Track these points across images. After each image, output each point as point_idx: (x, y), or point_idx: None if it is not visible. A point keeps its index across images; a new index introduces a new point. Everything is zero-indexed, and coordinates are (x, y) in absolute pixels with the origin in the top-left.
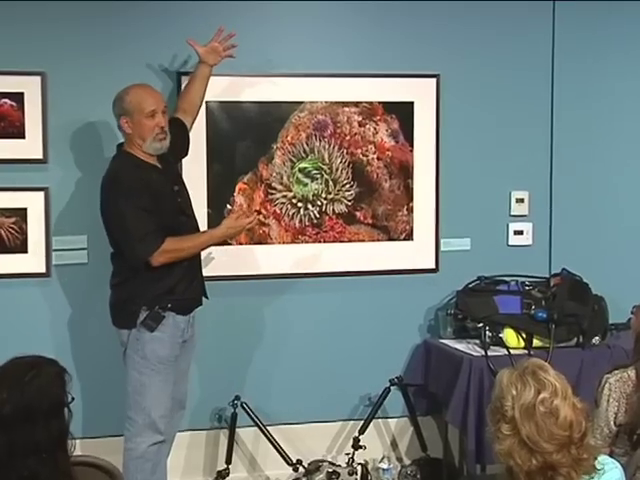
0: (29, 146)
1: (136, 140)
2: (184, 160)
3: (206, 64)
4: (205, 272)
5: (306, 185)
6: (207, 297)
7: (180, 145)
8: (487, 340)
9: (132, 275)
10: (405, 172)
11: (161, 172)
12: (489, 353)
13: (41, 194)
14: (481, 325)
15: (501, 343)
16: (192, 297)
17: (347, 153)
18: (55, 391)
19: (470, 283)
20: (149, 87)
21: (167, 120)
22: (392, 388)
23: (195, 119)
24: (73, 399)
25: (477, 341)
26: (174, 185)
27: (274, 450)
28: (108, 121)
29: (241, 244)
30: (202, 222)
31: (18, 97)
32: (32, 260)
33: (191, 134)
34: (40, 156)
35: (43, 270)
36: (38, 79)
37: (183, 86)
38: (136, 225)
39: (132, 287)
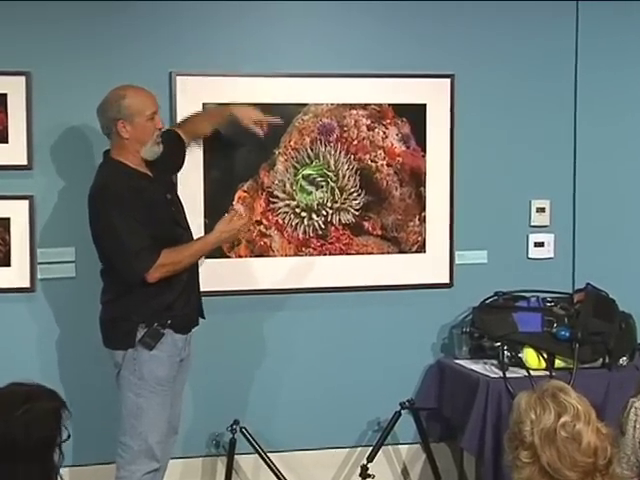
0: (12, 151)
1: (134, 146)
2: None
3: (236, 115)
4: (202, 287)
5: (310, 193)
6: (204, 317)
7: (175, 159)
8: (505, 360)
9: (126, 291)
10: (417, 179)
11: (152, 180)
12: (508, 374)
13: (25, 203)
14: (499, 344)
15: (521, 364)
16: (191, 314)
17: (354, 159)
18: (46, 431)
19: (487, 299)
20: (144, 89)
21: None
22: (403, 412)
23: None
24: (69, 437)
25: (495, 361)
26: (166, 193)
27: (276, 479)
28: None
29: (240, 257)
30: (198, 233)
31: (1, 99)
32: (15, 274)
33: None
34: (24, 162)
35: (27, 285)
36: (22, 79)
37: (178, 87)
38: (130, 240)
39: (127, 304)
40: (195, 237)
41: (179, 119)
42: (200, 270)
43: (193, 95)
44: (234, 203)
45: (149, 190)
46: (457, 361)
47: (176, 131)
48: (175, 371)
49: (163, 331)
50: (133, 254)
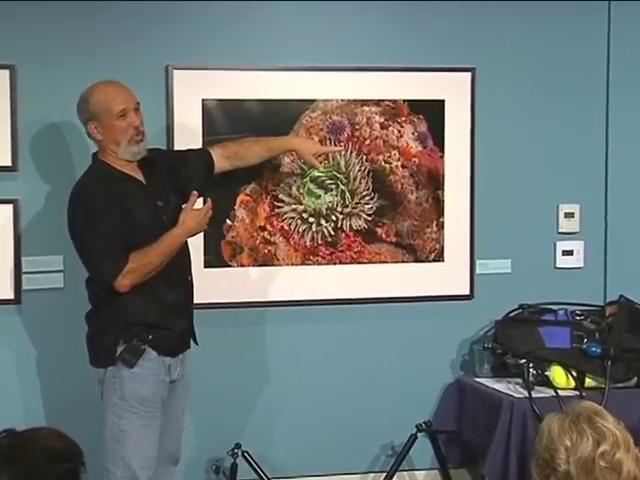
0: None
1: (109, 147)
2: None
3: (296, 150)
4: (200, 298)
5: (319, 197)
6: (196, 342)
7: (197, 178)
8: (531, 379)
9: (106, 302)
10: (434, 182)
11: (141, 184)
12: (533, 394)
13: (9, 207)
14: (524, 361)
15: (547, 383)
16: (177, 337)
17: (367, 160)
18: None
19: (511, 312)
20: (116, 83)
21: (142, 119)
22: (419, 435)
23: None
24: None
25: (519, 380)
26: (157, 200)
27: None
28: None
29: (243, 266)
30: (197, 241)
31: None
32: None
33: (185, 136)
34: (8, 163)
35: (11, 296)
36: (6, 73)
37: (175, 82)
38: (98, 244)
39: (105, 317)
40: (191, 246)
41: (229, 142)
42: (197, 281)
43: (191, 90)
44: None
45: (133, 195)
46: (478, 380)
47: (209, 152)
48: (163, 391)
49: (144, 347)
50: (100, 259)
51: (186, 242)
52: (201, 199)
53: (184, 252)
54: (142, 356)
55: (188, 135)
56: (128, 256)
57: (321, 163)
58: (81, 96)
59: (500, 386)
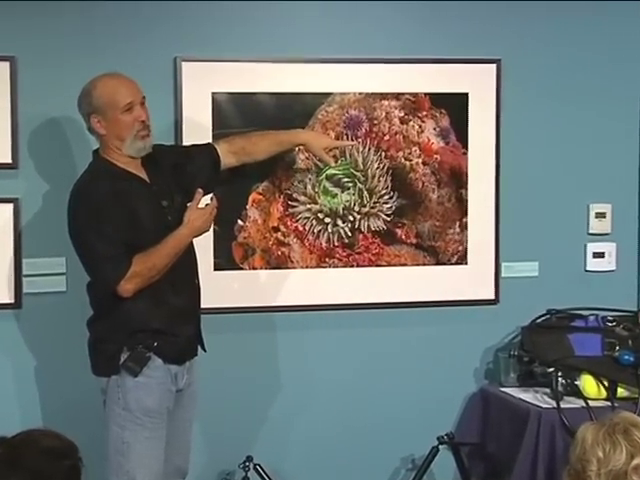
0: None
1: (113, 142)
2: None
3: (306, 144)
4: (210, 302)
5: (335, 196)
6: (204, 349)
7: (203, 175)
8: (560, 389)
9: (109, 308)
10: (457, 180)
11: (144, 183)
12: (562, 405)
13: (9, 206)
14: (552, 370)
15: (577, 392)
16: (184, 344)
17: (386, 157)
18: None
19: (538, 318)
20: (121, 75)
21: (148, 113)
22: (441, 447)
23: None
24: None
25: (547, 390)
26: (162, 200)
27: None
28: None
29: (255, 268)
30: (206, 242)
31: None
32: None
33: (194, 132)
34: (8, 160)
35: (11, 300)
36: (6, 65)
37: (184, 74)
38: (100, 247)
39: (109, 323)
40: (201, 248)
41: (235, 136)
42: (206, 284)
43: (201, 83)
44: (199, 190)
45: (137, 194)
46: (504, 389)
47: (214, 147)
48: (169, 401)
49: (149, 354)
50: (102, 262)
51: (192, 243)
52: (207, 197)
53: (190, 253)
54: (147, 364)
55: (197, 130)
56: (131, 259)
57: (334, 159)
58: (83, 88)
59: (527, 396)
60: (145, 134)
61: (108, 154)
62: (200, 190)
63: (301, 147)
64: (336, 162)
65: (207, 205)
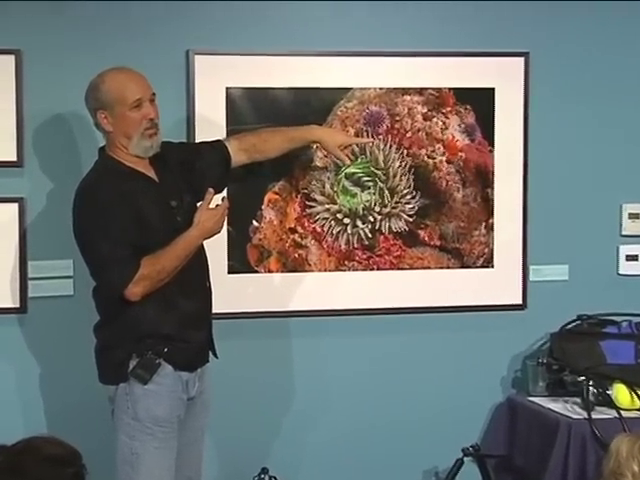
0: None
1: (119, 140)
2: None
3: (319, 141)
4: (223, 307)
5: (355, 196)
6: (216, 355)
7: (213, 174)
8: (591, 398)
9: (116, 312)
10: (483, 179)
11: (152, 182)
12: (594, 415)
13: (14, 206)
14: (583, 379)
15: (609, 402)
16: (196, 350)
17: (408, 154)
18: None
19: (568, 324)
20: (130, 70)
21: (157, 111)
22: (466, 460)
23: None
24: None
25: (578, 400)
26: (171, 200)
27: None
28: None
29: (270, 271)
30: (220, 244)
31: None
32: (2, 291)
33: (207, 129)
34: (13, 157)
35: (16, 304)
36: (11, 59)
37: (197, 68)
38: (107, 249)
39: (117, 328)
40: (214, 250)
41: (246, 133)
42: (220, 288)
43: (215, 77)
44: (210, 190)
45: (145, 193)
46: (532, 399)
47: (224, 144)
48: (180, 409)
49: (158, 361)
50: (108, 265)
51: (202, 244)
52: (219, 197)
53: (200, 255)
54: (157, 371)
55: (211, 127)
56: (139, 262)
57: (349, 157)
58: (91, 82)
59: (556, 406)
60: (153, 132)
61: (115, 152)
62: (211, 190)
63: (300, 163)
64: (353, 160)
65: (218, 206)
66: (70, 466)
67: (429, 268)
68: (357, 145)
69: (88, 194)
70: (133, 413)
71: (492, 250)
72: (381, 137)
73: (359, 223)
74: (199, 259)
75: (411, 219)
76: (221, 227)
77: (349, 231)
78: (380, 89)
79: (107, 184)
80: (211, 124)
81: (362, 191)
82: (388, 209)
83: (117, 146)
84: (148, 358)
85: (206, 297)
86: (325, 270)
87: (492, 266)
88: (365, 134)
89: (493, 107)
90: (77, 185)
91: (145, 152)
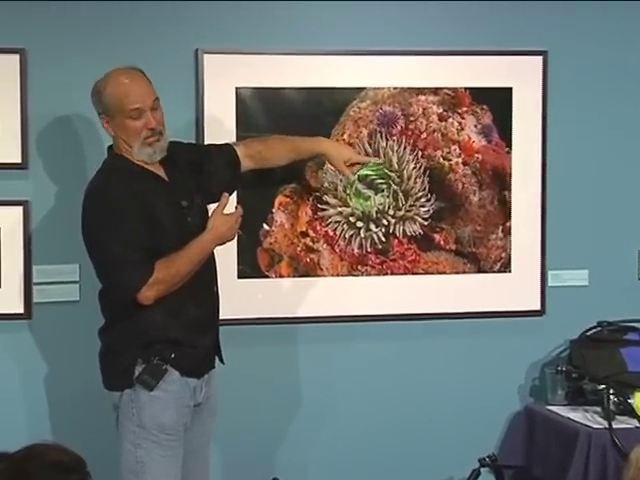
0: (3, 146)
1: (123, 143)
2: None
3: (325, 154)
4: (233, 313)
5: (368, 199)
6: (222, 361)
7: (222, 176)
8: (612, 407)
9: (123, 316)
10: (500, 181)
11: (163, 182)
12: (614, 425)
13: (18, 209)
14: (603, 387)
15: (631, 412)
16: (203, 356)
17: (423, 156)
18: None
19: (588, 330)
20: (134, 74)
21: (161, 116)
22: (483, 470)
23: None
24: None
25: (598, 409)
26: (181, 200)
27: None
28: None
29: (282, 276)
30: (230, 248)
31: None
32: (6, 297)
33: (216, 129)
34: (17, 159)
35: (20, 310)
36: (16, 58)
37: (206, 68)
38: (119, 252)
39: (123, 333)
40: (224, 254)
41: (253, 139)
42: (230, 293)
43: (224, 77)
44: (225, 194)
45: (155, 193)
46: (550, 408)
47: (233, 148)
48: (186, 418)
49: (165, 367)
50: (121, 267)
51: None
52: (232, 202)
53: (209, 260)
54: (163, 377)
55: (220, 128)
56: (152, 264)
57: (353, 174)
58: (95, 84)
59: (576, 415)
60: (154, 140)
61: (123, 151)
62: (226, 194)
63: (313, 164)
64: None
65: (232, 213)
66: (75, 473)
67: (444, 273)
68: (370, 145)
69: (98, 194)
70: (138, 420)
71: (509, 254)
72: (395, 138)
73: (372, 227)
74: (207, 264)
75: (426, 223)
76: (234, 234)
77: (362, 235)
78: (394, 89)
79: (118, 184)
80: (221, 125)
81: (376, 194)
82: (402, 212)
83: (124, 148)
84: (154, 364)
85: (213, 302)
86: (337, 275)
87: (509, 271)
88: (379, 135)
89: (510, 107)
90: (85, 185)
91: (149, 158)
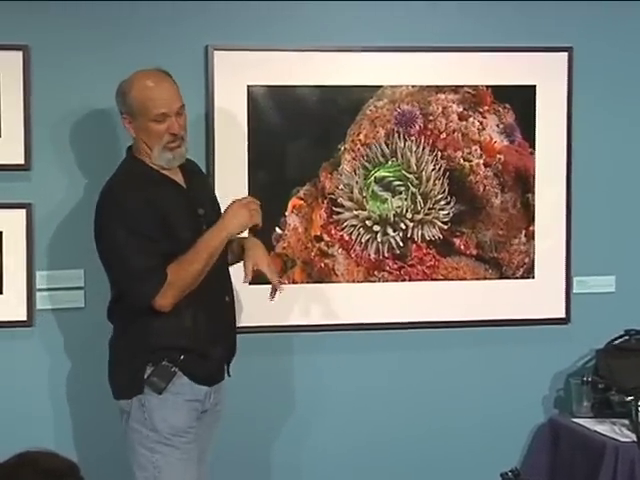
0: (5, 146)
1: (142, 147)
2: (217, 168)
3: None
4: (244, 320)
5: (385, 201)
6: (229, 374)
7: None
8: None
9: (132, 324)
10: (523, 183)
11: (181, 188)
12: None
13: (21, 212)
14: (631, 399)
15: None
16: (217, 362)
17: (442, 157)
18: None
19: (615, 339)
20: (160, 78)
21: (184, 122)
22: None
23: None
24: None
25: (625, 421)
26: (198, 208)
27: None
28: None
29: (295, 282)
30: None
31: None
32: (9, 303)
33: (227, 130)
34: (20, 160)
35: (23, 317)
36: (19, 55)
37: (216, 64)
38: (134, 257)
39: (132, 341)
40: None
41: None
42: (240, 300)
43: (235, 75)
44: (286, 214)
45: (172, 200)
46: (576, 420)
47: None
48: (195, 422)
49: (174, 369)
50: (137, 275)
51: (226, 259)
52: None
53: (221, 269)
54: (172, 380)
55: (231, 128)
56: (166, 271)
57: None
58: (120, 85)
59: (602, 428)
60: (175, 146)
61: (142, 155)
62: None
63: (328, 165)
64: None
65: (241, 201)
66: (68, 478)
67: (465, 279)
68: (387, 145)
69: (115, 197)
70: (151, 424)
71: (533, 260)
72: (413, 138)
73: (390, 231)
74: (218, 273)
75: (445, 226)
76: (247, 224)
77: (379, 239)
78: (412, 87)
79: (136, 190)
80: (232, 124)
81: (393, 196)
82: (421, 216)
83: (143, 151)
84: (163, 365)
85: (226, 312)
86: (353, 281)
87: (533, 277)
88: (396, 135)
89: (534, 106)
90: (90, 187)
91: (168, 163)
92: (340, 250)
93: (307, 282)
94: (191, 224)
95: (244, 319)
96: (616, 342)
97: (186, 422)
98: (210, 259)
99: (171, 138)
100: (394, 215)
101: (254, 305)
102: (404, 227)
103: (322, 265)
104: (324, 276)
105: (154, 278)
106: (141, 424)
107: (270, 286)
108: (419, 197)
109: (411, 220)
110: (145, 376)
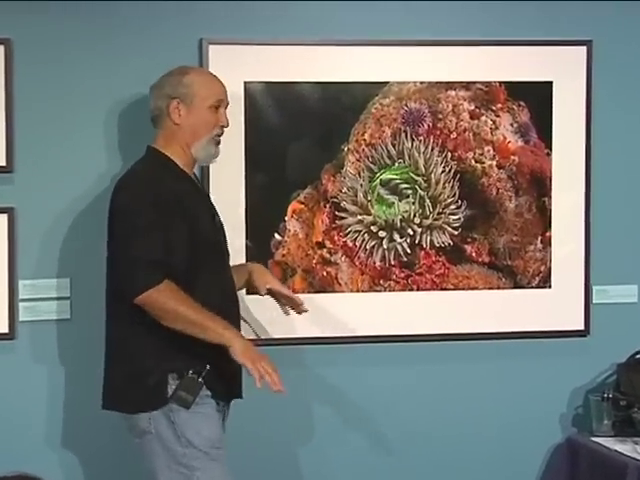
0: None
1: (184, 136)
2: (212, 170)
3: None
4: (242, 332)
5: (392, 205)
6: (241, 395)
7: None
8: None
9: (145, 331)
10: (539, 186)
11: (202, 192)
12: None
13: (3, 217)
14: None
15: None
16: (234, 376)
17: (452, 158)
18: None
19: (637, 353)
20: (214, 74)
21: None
22: None
23: None
24: None
25: None
26: (215, 214)
27: None
28: (106, 111)
29: (295, 292)
30: (238, 259)
31: None
32: None
33: (225, 129)
34: (2, 162)
35: (5, 329)
36: (0, 50)
37: (211, 59)
38: (145, 245)
39: (147, 349)
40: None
41: None
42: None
43: (232, 70)
44: (286, 219)
45: (196, 200)
46: (595, 439)
47: None
48: (223, 429)
49: (201, 380)
50: (143, 263)
51: (230, 269)
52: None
53: (233, 283)
54: (199, 392)
55: (228, 128)
56: (166, 275)
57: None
58: (171, 71)
59: (624, 447)
60: (219, 141)
61: (170, 149)
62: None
63: (331, 166)
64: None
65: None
66: None
67: (476, 289)
68: (394, 146)
69: (138, 186)
70: (186, 441)
71: (549, 268)
72: (422, 138)
73: (396, 237)
74: (233, 287)
75: (456, 232)
76: (255, 357)
77: (385, 246)
78: (421, 83)
79: (160, 180)
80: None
81: (400, 200)
82: (430, 221)
83: (179, 143)
84: (189, 378)
85: (238, 326)
86: (357, 290)
87: (549, 286)
88: (403, 135)
89: (551, 103)
90: (79, 192)
91: (206, 158)
92: (343, 257)
93: (308, 292)
94: (212, 229)
95: (242, 332)
96: (638, 356)
97: (218, 432)
98: (194, 331)
99: (220, 131)
100: (401, 220)
101: (252, 316)
102: (412, 233)
103: (324, 274)
104: (326, 285)
105: (156, 273)
106: (174, 443)
107: (278, 305)
108: (428, 201)
109: (419, 225)
110: (169, 391)
